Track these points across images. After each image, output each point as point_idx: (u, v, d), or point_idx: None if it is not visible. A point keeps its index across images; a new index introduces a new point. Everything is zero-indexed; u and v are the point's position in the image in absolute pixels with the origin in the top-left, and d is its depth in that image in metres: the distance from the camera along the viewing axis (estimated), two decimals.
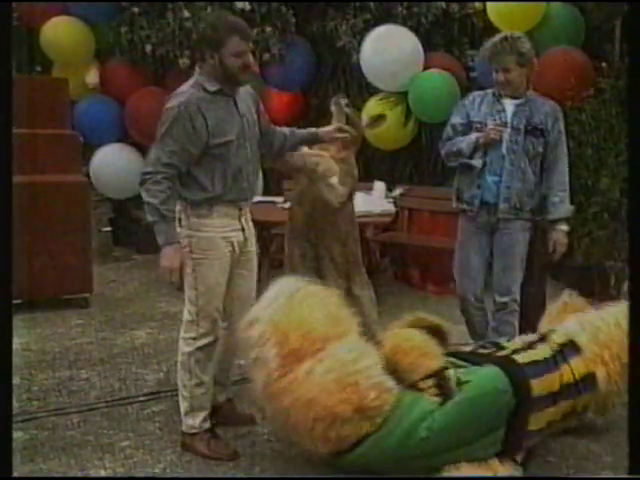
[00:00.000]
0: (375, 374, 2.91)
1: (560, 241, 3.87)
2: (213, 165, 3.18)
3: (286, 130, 3.56)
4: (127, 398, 3.94)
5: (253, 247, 3.45)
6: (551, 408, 3.15)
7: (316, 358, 2.92)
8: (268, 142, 3.48)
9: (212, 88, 3.16)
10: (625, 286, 4.72)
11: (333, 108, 3.84)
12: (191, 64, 6.20)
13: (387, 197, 6.00)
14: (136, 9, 6.36)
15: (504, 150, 3.82)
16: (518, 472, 3.02)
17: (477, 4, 5.92)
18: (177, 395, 3.86)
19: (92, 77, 7.04)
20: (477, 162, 3.84)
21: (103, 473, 3.18)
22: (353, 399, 2.85)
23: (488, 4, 5.70)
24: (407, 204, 6.34)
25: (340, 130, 3.62)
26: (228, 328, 3.45)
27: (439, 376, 2.99)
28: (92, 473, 3.17)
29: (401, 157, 6.71)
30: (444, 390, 2.96)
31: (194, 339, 3.30)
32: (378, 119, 4.20)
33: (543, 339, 3.39)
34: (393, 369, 2.99)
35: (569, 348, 3.26)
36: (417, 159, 6.73)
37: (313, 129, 3.64)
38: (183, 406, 3.39)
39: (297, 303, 3.02)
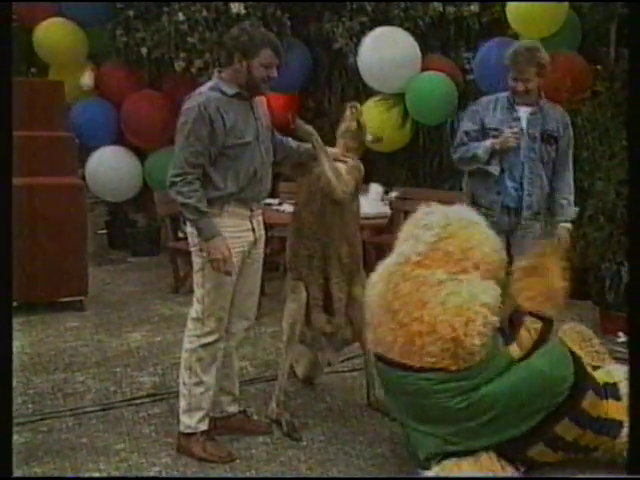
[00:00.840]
0: (490, 321, 2.93)
1: (566, 238, 4.02)
2: (227, 165, 3.22)
3: (290, 141, 3.62)
4: (122, 401, 3.94)
5: (261, 249, 3.47)
6: (580, 429, 3.10)
7: (453, 272, 3.01)
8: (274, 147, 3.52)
9: (231, 91, 3.23)
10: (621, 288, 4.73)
11: (348, 112, 3.86)
12: (186, 67, 6.25)
13: (383, 199, 6.01)
14: (131, 12, 6.38)
15: (522, 157, 3.93)
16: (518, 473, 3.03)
17: (472, 7, 5.93)
18: (173, 398, 3.90)
19: (87, 79, 7.05)
20: (494, 169, 3.94)
21: (97, 476, 3.17)
22: (459, 331, 2.89)
23: (507, 10, 5.68)
24: (403, 206, 6.32)
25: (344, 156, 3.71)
26: (227, 331, 3.45)
27: (547, 322, 3.10)
28: (87, 476, 3.17)
29: (397, 159, 6.72)
30: (544, 337, 3.08)
31: (198, 337, 3.31)
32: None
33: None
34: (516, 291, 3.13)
35: (612, 389, 3.22)
36: (413, 161, 6.74)
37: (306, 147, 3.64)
38: (181, 405, 3.38)
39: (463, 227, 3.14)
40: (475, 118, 4.04)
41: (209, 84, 3.29)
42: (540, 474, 3.16)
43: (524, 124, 3.95)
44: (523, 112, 3.96)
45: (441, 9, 6.12)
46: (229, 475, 3.21)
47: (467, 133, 4.03)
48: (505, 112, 3.97)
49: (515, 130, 3.89)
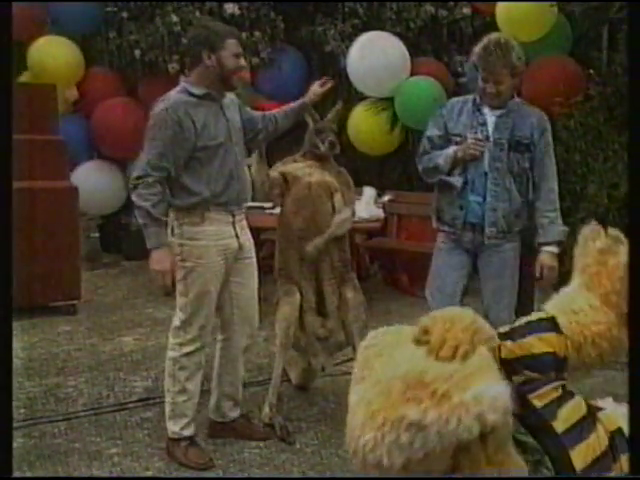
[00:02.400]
0: None
1: (547, 264, 3.46)
2: (201, 169, 3.19)
3: (274, 112, 3.61)
4: (115, 405, 3.94)
5: (250, 254, 3.43)
6: None
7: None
8: (263, 126, 3.51)
9: (199, 92, 3.19)
10: None
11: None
12: (180, 69, 6.22)
13: (376, 203, 6.04)
14: (125, 14, 6.37)
15: (486, 167, 3.47)
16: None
17: (465, 10, 5.96)
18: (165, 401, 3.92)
19: (70, 93, 7.02)
20: (457, 180, 3.49)
21: (98, 475, 3.18)
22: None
23: (497, 11, 5.70)
24: (396, 210, 6.39)
25: (323, 84, 3.67)
26: (230, 339, 3.45)
27: None
28: (87, 476, 3.18)
29: (389, 163, 6.74)
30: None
31: (180, 345, 3.30)
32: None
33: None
34: None
35: (620, 437, 2.57)
36: (405, 165, 6.76)
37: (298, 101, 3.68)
38: (166, 411, 3.40)
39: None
40: (439, 123, 3.57)
41: (177, 88, 3.25)
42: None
43: (490, 129, 3.47)
44: (490, 116, 3.48)
45: (433, 12, 6.13)
46: (222, 477, 3.20)
47: (430, 139, 3.59)
48: (471, 116, 3.49)
49: (478, 136, 3.43)
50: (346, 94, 6.47)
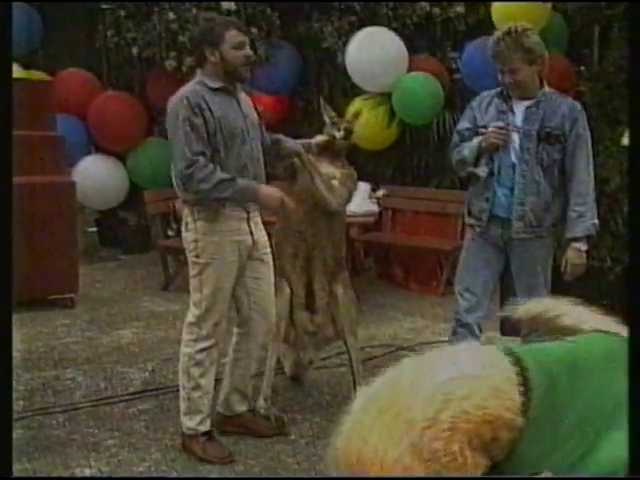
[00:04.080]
0: None
1: (574, 261, 3.36)
2: (218, 161, 3.15)
3: (276, 137, 3.57)
4: (112, 397, 3.96)
5: (265, 250, 3.41)
6: None
7: None
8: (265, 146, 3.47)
9: (215, 85, 3.18)
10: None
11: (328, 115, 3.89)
12: (178, 66, 6.26)
13: (371, 197, 6.08)
14: (122, 12, 6.40)
15: (514, 159, 3.38)
16: None
17: (458, 8, 6.00)
18: (163, 394, 3.96)
19: None
20: (482, 171, 3.42)
21: (88, 472, 3.19)
22: None
23: (493, 9, 5.75)
24: (391, 204, 6.43)
25: (327, 142, 3.69)
26: (247, 334, 3.44)
27: None
28: (77, 472, 3.19)
29: (385, 158, 6.78)
30: None
31: (195, 341, 3.28)
32: (356, 116, 4.13)
33: None
34: None
35: None
36: (400, 160, 6.80)
37: (299, 142, 3.64)
38: (181, 407, 3.37)
39: None
40: (469, 116, 3.54)
41: (194, 80, 3.25)
42: None
43: (518, 120, 3.38)
44: (519, 106, 3.40)
45: (428, 9, 6.17)
46: (217, 469, 3.22)
47: (459, 133, 3.55)
48: (498, 107, 3.43)
49: (500, 124, 3.37)
50: (342, 89, 6.54)
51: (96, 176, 7.10)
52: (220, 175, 3.09)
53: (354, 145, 4.29)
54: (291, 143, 3.55)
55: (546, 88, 3.44)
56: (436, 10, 6.09)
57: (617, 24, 5.18)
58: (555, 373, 2.04)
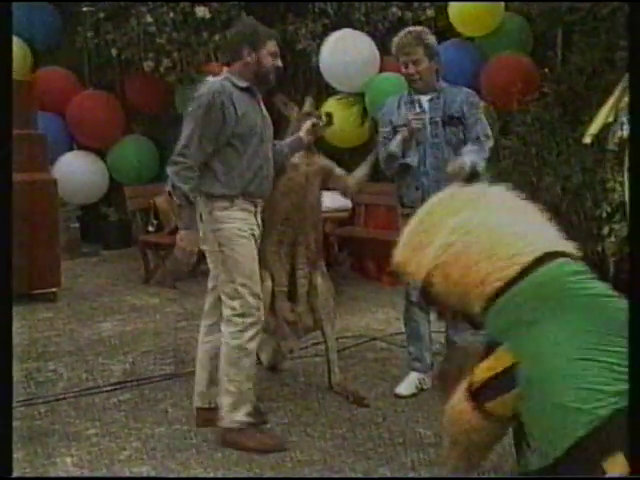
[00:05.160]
0: None
1: (454, 165, 3.61)
2: (235, 158, 3.25)
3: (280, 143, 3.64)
4: (93, 388, 4.02)
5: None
6: None
7: None
8: None
9: (241, 84, 3.29)
10: None
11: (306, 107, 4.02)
12: (155, 67, 6.34)
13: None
14: (102, 14, 6.46)
15: (426, 145, 3.77)
16: None
17: (429, 12, 6.14)
18: (142, 385, 4.04)
19: None
20: (412, 160, 3.78)
21: (69, 461, 3.22)
22: None
23: (449, 10, 5.94)
24: (364, 200, 6.54)
25: (312, 122, 3.71)
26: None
27: None
28: (58, 461, 3.21)
29: (358, 155, 6.88)
30: None
31: (241, 332, 3.27)
32: (328, 116, 4.12)
33: None
34: None
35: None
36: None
37: (288, 140, 3.70)
38: (226, 402, 3.32)
39: None
40: (385, 121, 3.91)
41: (220, 76, 3.34)
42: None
43: (425, 111, 3.80)
44: (423, 100, 3.82)
45: (400, 15, 6.30)
46: (195, 458, 3.24)
47: (384, 138, 3.88)
48: (408, 106, 3.83)
49: (417, 111, 3.75)
50: (316, 90, 6.65)
51: (76, 172, 7.19)
52: (188, 189, 3.15)
53: (326, 142, 4.38)
54: (286, 150, 3.63)
55: (442, 83, 3.89)
56: (408, 14, 6.23)
57: (579, 27, 5.34)
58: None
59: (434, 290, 2.64)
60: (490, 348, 2.52)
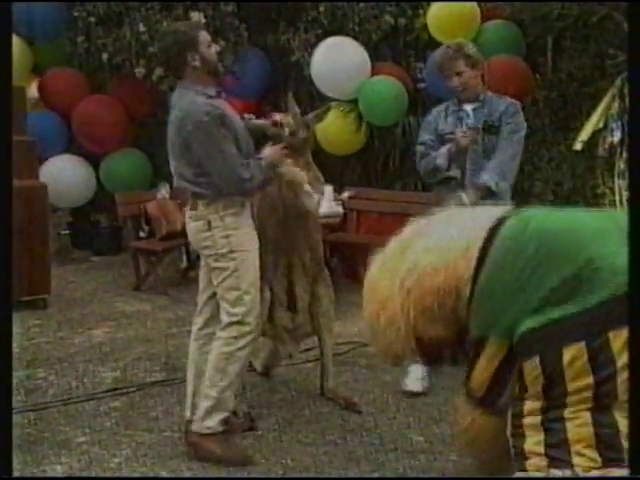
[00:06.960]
0: None
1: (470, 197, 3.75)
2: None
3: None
4: (84, 395, 4.00)
5: None
6: None
7: None
8: None
9: (212, 92, 3.25)
10: None
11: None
12: (147, 74, 6.30)
13: (336, 199, 6.19)
14: (93, 19, 6.43)
15: (468, 156, 3.89)
16: None
17: (422, 19, 6.16)
18: (133, 392, 4.02)
19: (32, 91, 7.09)
20: (456, 173, 3.90)
21: (59, 468, 3.21)
22: None
23: (428, 19, 5.96)
24: (356, 206, 6.53)
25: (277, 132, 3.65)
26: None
27: None
28: (48, 469, 3.20)
29: (351, 161, 6.91)
30: None
31: (236, 338, 3.25)
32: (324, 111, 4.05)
33: None
34: None
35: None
36: (366, 162, 6.92)
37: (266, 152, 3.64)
38: (204, 406, 3.30)
39: None
40: (429, 128, 4.05)
41: (190, 94, 3.21)
42: None
43: (471, 120, 3.94)
44: (469, 109, 3.95)
45: (393, 23, 6.31)
46: (186, 465, 3.25)
47: (424, 144, 4.02)
48: (454, 114, 3.97)
49: (464, 130, 3.89)
50: (309, 98, 6.64)
51: (63, 175, 7.14)
52: (253, 167, 3.23)
53: (320, 148, 4.35)
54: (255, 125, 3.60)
55: (488, 92, 4.02)
56: (402, 21, 6.23)
57: (569, 33, 5.38)
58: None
59: (426, 335, 2.65)
60: (480, 345, 2.54)
